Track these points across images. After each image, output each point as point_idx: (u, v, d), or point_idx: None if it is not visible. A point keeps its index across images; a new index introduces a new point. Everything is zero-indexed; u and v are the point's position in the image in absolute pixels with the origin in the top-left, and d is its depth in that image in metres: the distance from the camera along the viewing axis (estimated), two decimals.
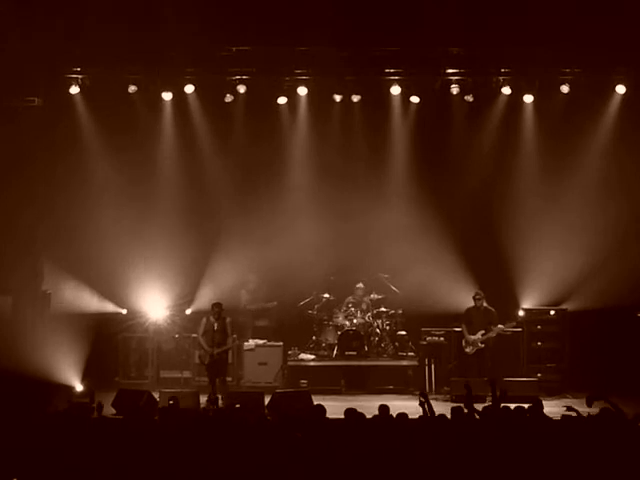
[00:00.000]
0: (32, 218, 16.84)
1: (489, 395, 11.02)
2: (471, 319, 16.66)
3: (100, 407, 10.76)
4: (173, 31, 15.75)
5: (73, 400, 14.56)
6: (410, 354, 17.37)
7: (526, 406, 10.22)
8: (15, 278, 16.81)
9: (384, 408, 10.50)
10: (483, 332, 16.49)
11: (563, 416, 9.72)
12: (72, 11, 15.71)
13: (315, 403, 12.54)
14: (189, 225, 17.76)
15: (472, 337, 16.52)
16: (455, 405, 10.48)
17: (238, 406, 11.04)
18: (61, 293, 17.26)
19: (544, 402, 10.79)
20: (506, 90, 17.44)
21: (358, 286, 17.94)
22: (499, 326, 16.56)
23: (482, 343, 16.48)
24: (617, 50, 16.43)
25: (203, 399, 14.81)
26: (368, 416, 10.00)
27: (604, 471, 8.40)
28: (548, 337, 17.35)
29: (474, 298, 16.69)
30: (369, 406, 11.41)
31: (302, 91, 17.62)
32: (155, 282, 17.57)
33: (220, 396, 14.83)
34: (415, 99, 17.73)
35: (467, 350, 16.57)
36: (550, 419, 10.05)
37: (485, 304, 16.74)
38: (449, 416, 9.91)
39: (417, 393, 10.97)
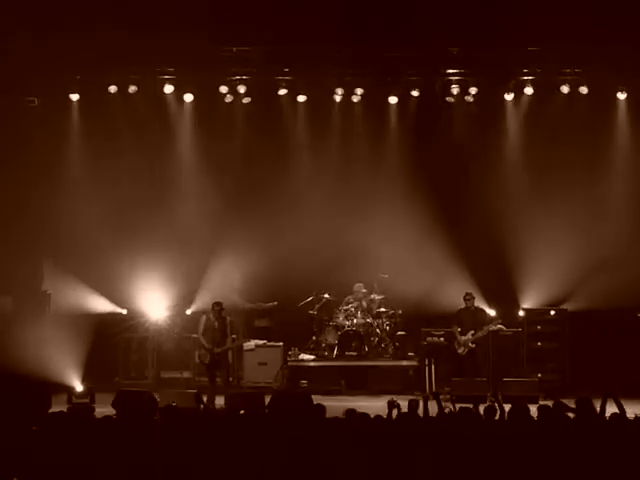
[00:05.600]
0: (32, 218, 16.84)
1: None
2: (462, 320, 16.65)
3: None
4: (173, 31, 15.76)
5: (73, 400, 14.58)
6: (410, 354, 17.37)
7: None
8: (15, 278, 16.81)
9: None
10: (473, 332, 16.48)
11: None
12: (72, 11, 15.70)
13: (315, 403, 12.51)
14: (189, 225, 17.74)
15: (463, 338, 16.52)
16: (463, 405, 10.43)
17: (242, 412, 11.06)
18: (61, 293, 17.25)
19: (544, 402, 10.77)
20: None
21: (358, 286, 17.93)
22: (487, 326, 16.58)
23: (473, 343, 16.47)
24: (618, 50, 16.42)
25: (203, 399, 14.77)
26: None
27: (606, 472, 8.42)
28: (548, 337, 17.34)
29: (464, 299, 16.66)
30: (369, 406, 11.41)
31: (302, 91, 17.63)
32: (155, 282, 17.55)
33: (223, 396, 14.81)
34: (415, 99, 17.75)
35: (459, 351, 16.52)
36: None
37: (476, 304, 16.76)
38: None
39: (429, 395, 10.89)
